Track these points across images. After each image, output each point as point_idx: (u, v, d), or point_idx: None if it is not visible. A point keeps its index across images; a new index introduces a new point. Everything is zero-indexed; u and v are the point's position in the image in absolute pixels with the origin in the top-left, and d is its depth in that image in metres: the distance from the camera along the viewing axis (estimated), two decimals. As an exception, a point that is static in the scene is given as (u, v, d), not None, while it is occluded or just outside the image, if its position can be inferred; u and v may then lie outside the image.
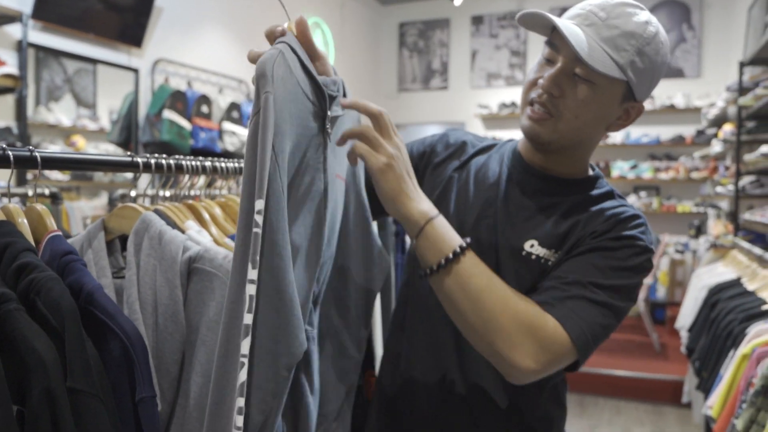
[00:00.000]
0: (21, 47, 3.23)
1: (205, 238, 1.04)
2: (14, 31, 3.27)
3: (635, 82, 0.99)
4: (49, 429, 0.63)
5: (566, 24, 0.97)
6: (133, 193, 1.38)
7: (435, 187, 1.17)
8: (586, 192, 1.09)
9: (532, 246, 1.05)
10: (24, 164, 0.86)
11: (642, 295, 5.07)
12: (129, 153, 4.08)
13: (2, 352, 0.65)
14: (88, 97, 4.10)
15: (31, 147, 0.86)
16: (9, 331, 0.65)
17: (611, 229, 1.01)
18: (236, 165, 1.27)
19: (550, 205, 1.08)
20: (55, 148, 3.74)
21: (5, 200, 0.88)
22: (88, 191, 4.05)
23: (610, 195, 1.10)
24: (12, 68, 3.09)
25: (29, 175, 3.06)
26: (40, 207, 0.87)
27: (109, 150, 4.08)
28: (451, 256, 0.91)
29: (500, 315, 0.90)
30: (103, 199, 3.83)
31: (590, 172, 1.14)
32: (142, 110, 4.16)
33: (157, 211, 1.03)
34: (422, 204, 0.93)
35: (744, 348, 2.05)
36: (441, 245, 0.92)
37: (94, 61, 3.90)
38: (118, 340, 0.73)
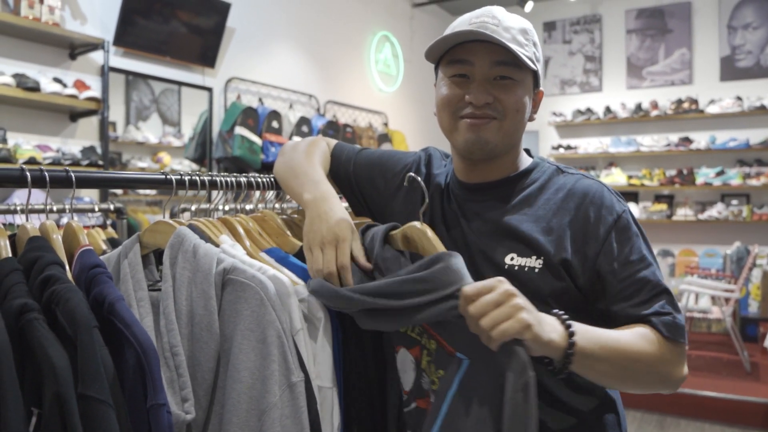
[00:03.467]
0: (103, 72, 3.44)
1: (238, 252, 1.08)
2: (97, 57, 3.50)
3: (538, 70, 1.08)
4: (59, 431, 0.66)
5: (488, 34, 1.01)
6: (193, 207, 1.44)
7: (402, 208, 1.20)
8: (536, 182, 1.12)
9: (512, 259, 1.05)
10: (61, 184, 0.91)
11: (729, 310, 4.76)
12: (201, 169, 4.26)
13: (25, 358, 0.69)
14: (173, 116, 4.35)
15: (66, 168, 0.91)
16: (29, 339, 0.69)
17: (590, 230, 1.04)
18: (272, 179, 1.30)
19: (508, 210, 1.09)
20: (142, 165, 3.99)
21: (42, 217, 0.94)
22: (170, 204, 4.27)
23: (557, 172, 1.12)
24: (95, 92, 3.30)
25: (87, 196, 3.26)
26: (75, 224, 0.92)
27: (192, 166, 4.29)
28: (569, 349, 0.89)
29: (654, 365, 0.97)
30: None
31: (528, 161, 1.16)
32: (216, 127, 4.34)
33: (191, 226, 1.07)
34: (554, 329, 0.88)
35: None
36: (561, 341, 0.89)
37: (178, 83, 4.11)
38: (133, 349, 0.76)
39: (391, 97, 6.46)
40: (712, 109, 6.20)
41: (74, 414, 0.67)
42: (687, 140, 6.36)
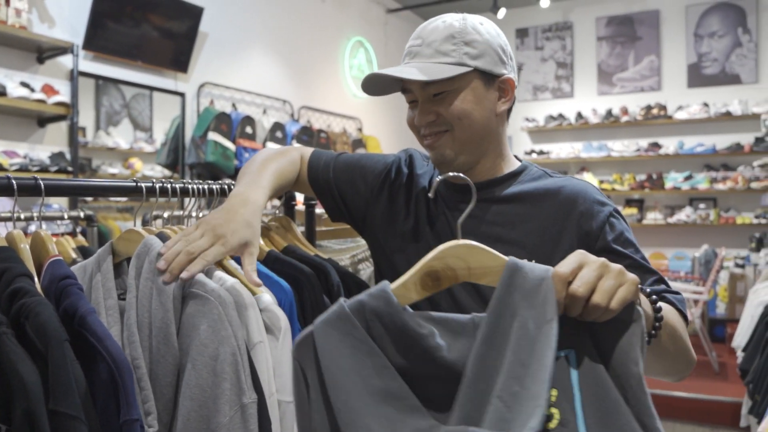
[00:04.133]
0: (72, 76, 3.38)
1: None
2: (66, 61, 3.43)
3: (481, 64, 1.07)
4: (29, 451, 0.64)
5: (400, 69, 1.07)
6: (165, 215, 1.42)
7: (385, 211, 1.21)
8: (524, 184, 1.14)
9: None
10: (29, 192, 0.89)
11: (698, 312, 4.86)
12: (174, 175, 4.20)
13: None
14: (145, 121, 4.28)
15: (35, 176, 0.89)
16: (-4, 354, 0.67)
17: (595, 218, 1.07)
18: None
19: (499, 212, 1.12)
20: (113, 171, 3.92)
21: (8, 225, 0.92)
22: (142, 211, 4.21)
23: (545, 175, 1.15)
24: (64, 96, 3.24)
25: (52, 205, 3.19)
26: (43, 233, 0.90)
27: (165, 172, 4.22)
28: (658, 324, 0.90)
29: (685, 349, 0.99)
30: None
31: (516, 164, 1.18)
32: (189, 133, 4.29)
33: (160, 235, 1.05)
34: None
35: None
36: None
37: (150, 88, 4.06)
38: (105, 363, 0.74)
39: (366, 103, 6.46)
40: (680, 115, 6.33)
41: (45, 431, 0.65)
42: (656, 145, 6.48)
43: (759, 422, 2.24)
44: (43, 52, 3.33)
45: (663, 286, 1.04)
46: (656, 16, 6.59)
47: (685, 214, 6.31)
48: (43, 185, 0.89)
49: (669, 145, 6.46)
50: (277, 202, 1.45)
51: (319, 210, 1.56)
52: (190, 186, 1.14)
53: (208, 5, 4.28)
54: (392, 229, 1.20)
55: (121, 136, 4.05)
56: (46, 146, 3.38)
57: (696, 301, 4.94)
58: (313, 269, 1.13)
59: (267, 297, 1.02)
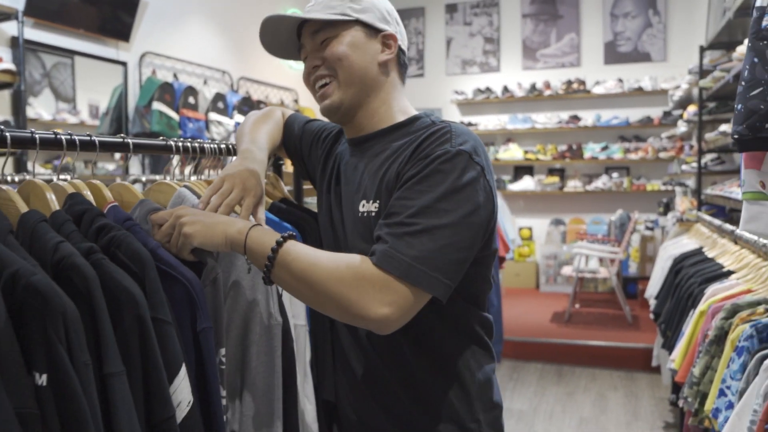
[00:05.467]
0: (17, 44, 3.33)
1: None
2: (8, 28, 3.37)
3: (363, 17, 1.14)
4: (137, 346, 0.81)
5: (294, 13, 1.18)
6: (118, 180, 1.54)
7: (324, 170, 1.31)
8: (404, 133, 1.15)
9: (363, 205, 1.13)
10: (85, 147, 1.03)
11: (614, 270, 5.34)
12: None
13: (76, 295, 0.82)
14: (67, 91, 4.15)
15: (90, 134, 1.02)
16: (102, 274, 0.82)
17: (413, 154, 1.06)
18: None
19: (370, 161, 1.16)
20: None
21: (56, 178, 1.04)
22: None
23: (427, 125, 1.12)
24: (9, 64, 3.19)
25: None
26: (97, 182, 1.04)
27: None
28: (270, 253, 0.98)
29: (327, 282, 0.95)
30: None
31: (407, 116, 1.19)
32: (131, 102, 4.27)
33: (187, 187, 1.20)
34: (234, 226, 1.01)
35: (701, 306, 2.28)
36: (262, 248, 0.99)
37: (91, 56, 3.98)
38: (181, 285, 0.90)
39: (301, 75, 6.53)
40: (598, 90, 6.79)
41: (151, 331, 0.81)
42: (576, 118, 6.92)
43: (670, 354, 2.60)
44: (-18, 17, 3.25)
45: (386, 230, 0.99)
46: (577, -4, 7.00)
47: (601, 182, 6.82)
48: (97, 141, 1.02)
49: (587, 117, 6.92)
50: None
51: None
52: (206, 145, 1.28)
53: (149, -27, 4.25)
54: (320, 190, 1.32)
55: (42, 107, 3.90)
56: (-12, 115, 3.33)
57: (612, 261, 5.42)
58: (310, 216, 1.32)
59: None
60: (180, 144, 1.22)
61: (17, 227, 0.86)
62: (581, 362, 4.67)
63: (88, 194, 1.00)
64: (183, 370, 0.86)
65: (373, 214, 1.10)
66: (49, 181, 0.99)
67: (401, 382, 1.13)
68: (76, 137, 1.00)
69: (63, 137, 0.98)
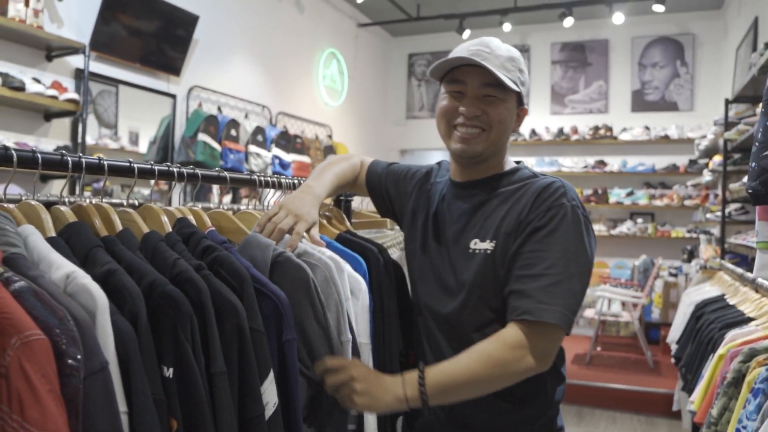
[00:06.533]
0: (82, 75, 3.59)
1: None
2: (71, 60, 3.64)
3: (522, 91, 1.31)
4: (235, 352, 0.96)
5: (478, 61, 1.25)
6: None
7: (416, 207, 1.48)
8: (510, 181, 1.33)
9: (475, 243, 1.30)
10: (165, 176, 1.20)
11: (637, 314, 5.39)
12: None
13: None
14: (110, 118, 4.34)
15: (188, 166, 1.20)
16: (210, 286, 0.98)
17: (533, 205, 1.24)
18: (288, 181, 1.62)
19: (483, 203, 1.33)
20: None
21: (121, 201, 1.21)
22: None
23: (531, 176, 1.33)
24: (73, 94, 3.44)
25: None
26: (198, 209, 1.21)
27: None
28: (422, 396, 1.18)
29: (486, 374, 1.17)
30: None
31: (511, 166, 1.38)
32: (177, 132, 4.52)
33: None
34: (396, 395, 1.19)
35: (721, 350, 2.37)
36: (417, 402, 1.18)
37: (145, 88, 4.23)
38: (270, 301, 1.06)
39: (336, 111, 6.79)
40: (624, 137, 6.93)
41: (249, 338, 0.97)
42: (602, 163, 7.06)
43: (690, 396, 2.68)
44: (52, 50, 3.52)
45: (531, 285, 1.18)
46: (605, 45, 7.20)
47: (626, 227, 6.90)
48: (200, 174, 1.19)
49: (613, 163, 7.04)
50: (329, 199, 1.77)
51: (354, 205, 1.90)
52: (270, 179, 1.46)
53: (203, 13, 4.53)
54: (412, 223, 1.49)
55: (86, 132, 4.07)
56: (51, 140, 3.57)
57: (635, 305, 5.48)
58: (375, 247, 1.47)
59: (348, 266, 1.36)
60: (263, 179, 1.39)
61: (141, 244, 1.03)
62: (601, 405, 4.72)
63: (192, 219, 1.17)
64: (271, 375, 1.01)
65: (489, 252, 1.27)
66: (136, 205, 1.16)
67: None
68: (175, 169, 1.17)
69: (174, 170, 1.15)
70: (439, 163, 1.59)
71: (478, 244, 1.29)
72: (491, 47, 1.29)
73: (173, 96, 4.49)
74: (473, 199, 1.35)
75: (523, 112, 1.37)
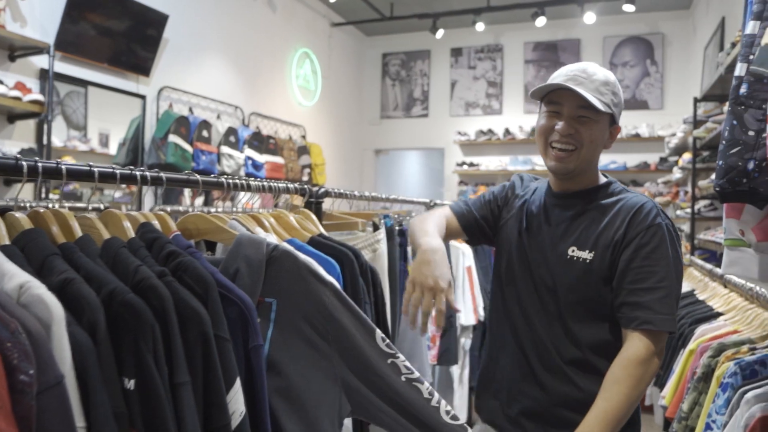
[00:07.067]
0: (47, 76, 3.51)
1: (272, 240, 1.37)
2: (37, 60, 3.55)
3: (615, 112, 1.44)
4: (200, 360, 0.94)
5: (574, 85, 1.40)
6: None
7: (509, 216, 1.61)
8: (604, 195, 1.48)
9: (573, 251, 1.44)
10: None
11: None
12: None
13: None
14: (79, 120, 4.25)
15: (132, 167, 1.17)
16: (172, 293, 0.96)
17: (630, 223, 1.40)
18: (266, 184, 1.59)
19: (580, 214, 1.47)
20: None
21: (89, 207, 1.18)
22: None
23: (622, 191, 1.50)
24: (38, 95, 3.36)
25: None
26: (164, 213, 1.18)
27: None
28: None
29: (638, 395, 1.33)
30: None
31: (603, 180, 1.54)
32: (147, 134, 4.45)
33: (236, 220, 1.35)
34: None
35: (691, 345, 2.41)
36: None
37: (114, 89, 4.15)
38: (236, 306, 1.04)
39: (309, 111, 6.76)
40: (596, 135, 6.99)
41: (214, 346, 0.94)
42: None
43: (661, 391, 2.72)
44: (15, 50, 3.44)
45: (647, 298, 1.34)
46: (577, 45, 7.27)
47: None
48: (164, 178, 1.17)
49: (586, 161, 7.10)
50: (299, 201, 1.75)
51: (325, 207, 1.88)
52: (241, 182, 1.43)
53: (173, 12, 4.46)
54: (506, 231, 1.59)
55: (54, 134, 3.88)
56: (15, 142, 3.49)
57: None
58: (349, 251, 1.45)
59: (322, 270, 1.34)
60: (231, 181, 1.37)
61: (101, 250, 1.00)
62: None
63: (156, 223, 1.14)
64: (238, 383, 0.98)
65: (588, 261, 1.41)
66: (97, 209, 1.13)
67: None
68: (138, 172, 1.14)
69: (137, 174, 1.12)
70: (520, 177, 1.70)
71: (576, 252, 1.43)
72: (588, 72, 1.41)
73: (143, 97, 4.41)
74: (572, 209, 1.49)
75: (617, 129, 1.49)
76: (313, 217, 1.64)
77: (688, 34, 6.79)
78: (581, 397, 1.39)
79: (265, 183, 1.51)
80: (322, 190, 1.83)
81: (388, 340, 1.14)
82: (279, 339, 1.11)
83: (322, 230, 1.62)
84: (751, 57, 1.36)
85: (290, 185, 1.61)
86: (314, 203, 1.80)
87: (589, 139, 1.42)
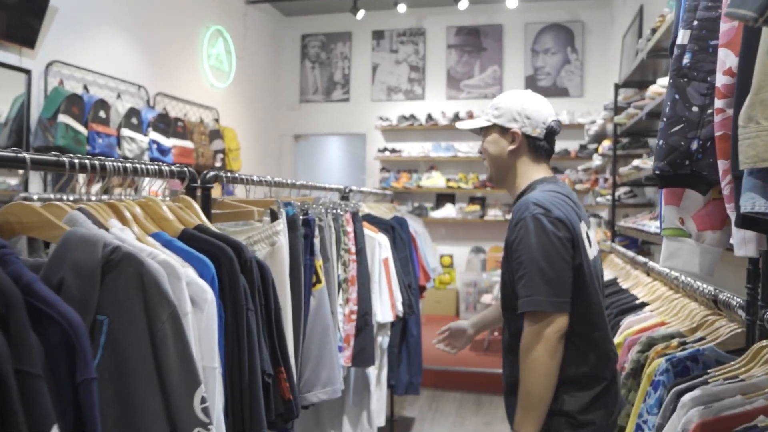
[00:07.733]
0: None
1: (128, 236, 1.10)
2: None
3: (498, 121, 1.71)
4: (-5, 407, 0.67)
5: (471, 121, 1.82)
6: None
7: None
8: (519, 200, 1.67)
9: (502, 253, 1.69)
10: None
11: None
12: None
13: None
14: None
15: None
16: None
17: (510, 224, 1.63)
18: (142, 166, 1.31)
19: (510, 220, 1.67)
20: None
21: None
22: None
23: (524, 193, 1.68)
24: None
25: None
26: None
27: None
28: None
29: (537, 375, 1.55)
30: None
31: (527, 185, 1.71)
32: (34, 114, 3.98)
33: (81, 210, 1.07)
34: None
35: (618, 338, 2.30)
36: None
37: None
38: (58, 327, 0.77)
39: (223, 93, 6.36)
40: (518, 122, 6.97)
41: (13, 388, 0.68)
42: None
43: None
44: None
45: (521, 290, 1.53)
46: (500, 30, 7.20)
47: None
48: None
49: (508, 148, 7.07)
50: (180, 186, 1.47)
51: (215, 195, 1.61)
52: (108, 163, 1.15)
53: (60, -22, 4.00)
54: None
55: None
56: None
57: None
58: (228, 246, 1.20)
59: (190, 271, 1.08)
60: (77, 162, 1.08)
61: None
62: (500, 391, 4.67)
63: (-49, 218, 0.85)
64: (55, 430, 0.72)
65: (503, 262, 1.73)
66: None
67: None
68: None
69: None
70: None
71: (502, 254, 1.72)
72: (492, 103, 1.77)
73: (28, 72, 3.93)
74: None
75: (515, 133, 1.69)
76: (195, 205, 1.38)
77: (606, 23, 6.85)
78: (510, 380, 1.77)
79: (128, 165, 1.23)
80: (211, 174, 1.56)
81: (207, 404, 0.90)
82: (111, 366, 0.85)
83: (205, 221, 1.35)
84: (695, 22, 1.20)
85: (165, 168, 1.33)
86: (201, 189, 1.54)
87: (483, 149, 1.77)
